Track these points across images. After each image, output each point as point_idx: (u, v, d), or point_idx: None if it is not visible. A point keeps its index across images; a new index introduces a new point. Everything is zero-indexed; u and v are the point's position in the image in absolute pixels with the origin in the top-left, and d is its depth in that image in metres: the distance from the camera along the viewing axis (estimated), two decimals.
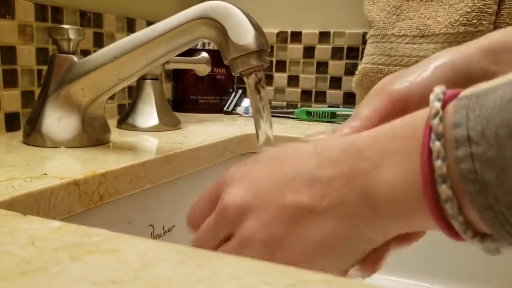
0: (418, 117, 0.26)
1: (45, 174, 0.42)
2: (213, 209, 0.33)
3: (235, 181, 0.32)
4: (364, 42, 0.98)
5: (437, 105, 0.24)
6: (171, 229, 0.58)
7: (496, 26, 0.78)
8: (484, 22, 0.78)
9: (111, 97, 0.82)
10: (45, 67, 0.67)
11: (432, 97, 0.25)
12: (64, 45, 0.57)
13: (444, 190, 0.23)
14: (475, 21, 0.78)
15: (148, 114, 0.72)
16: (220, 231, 0.32)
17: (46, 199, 0.38)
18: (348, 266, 0.31)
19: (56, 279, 0.20)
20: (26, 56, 0.66)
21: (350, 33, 1.03)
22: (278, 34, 1.08)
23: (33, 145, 0.55)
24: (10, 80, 0.64)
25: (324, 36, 1.05)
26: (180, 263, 0.22)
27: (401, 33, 0.86)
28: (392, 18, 0.88)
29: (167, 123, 0.73)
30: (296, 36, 1.07)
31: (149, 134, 0.68)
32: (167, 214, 0.58)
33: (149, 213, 0.55)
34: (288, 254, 0.29)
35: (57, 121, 0.54)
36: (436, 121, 0.24)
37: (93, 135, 0.56)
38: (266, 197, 0.30)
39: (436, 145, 0.24)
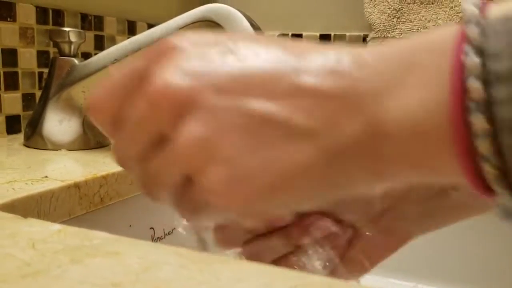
0: (451, 31, 0.20)
1: (46, 176, 0.42)
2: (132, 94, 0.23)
3: (179, 57, 0.22)
4: (364, 44, 0.98)
5: (473, 10, 0.19)
6: (172, 232, 0.58)
7: None
8: None
9: None
10: (46, 70, 0.67)
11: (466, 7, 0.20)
12: (65, 48, 0.57)
13: (478, 120, 0.18)
14: None
15: None
16: (145, 132, 0.23)
17: (46, 201, 0.38)
18: (313, 208, 0.24)
19: (56, 282, 0.20)
20: (27, 59, 0.66)
21: (351, 35, 1.03)
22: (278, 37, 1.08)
23: (34, 148, 0.55)
24: (11, 83, 0.64)
25: (324, 39, 1.05)
26: (181, 266, 0.22)
27: (401, 36, 0.86)
28: (393, 21, 0.88)
29: None
30: (297, 39, 1.07)
31: None
32: (167, 217, 0.58)
33: (150, 216, 0.55)
34: (242, 181, 0.22)
35: (58, 124, 0.54)
36: (472, 30, 0.19)
37: (94, 138, 0.56)
38: (225, 92, 0.21)
39: (472, 59, 0.18)
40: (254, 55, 0.22)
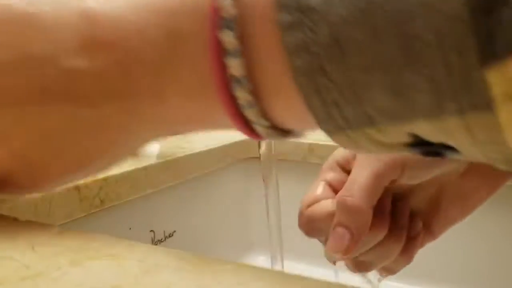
0: None
1: None
2: None
3: None
4: None
5: None
6: (172, 235, 0.58)
7: None
8: None
9: None
10: None
11: None
12: None
13: (241, 94, 0.19)
14: None
15: None
16: None
17: (46, 203, 0.38)
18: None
19: (56, 284, 0.20)
20: None
21: None
22: None
23: None
24: None
25: None
26: (181, 269, 0.22)
27: None
28: None
29: None
30: None
31: None
32: (168, 219, 0.58)
33: (150, 218, 0.55)
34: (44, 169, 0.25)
35: None
36: None
37: None
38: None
39: (227, 36, 0.19)
40: (13, 41, 0.22)
